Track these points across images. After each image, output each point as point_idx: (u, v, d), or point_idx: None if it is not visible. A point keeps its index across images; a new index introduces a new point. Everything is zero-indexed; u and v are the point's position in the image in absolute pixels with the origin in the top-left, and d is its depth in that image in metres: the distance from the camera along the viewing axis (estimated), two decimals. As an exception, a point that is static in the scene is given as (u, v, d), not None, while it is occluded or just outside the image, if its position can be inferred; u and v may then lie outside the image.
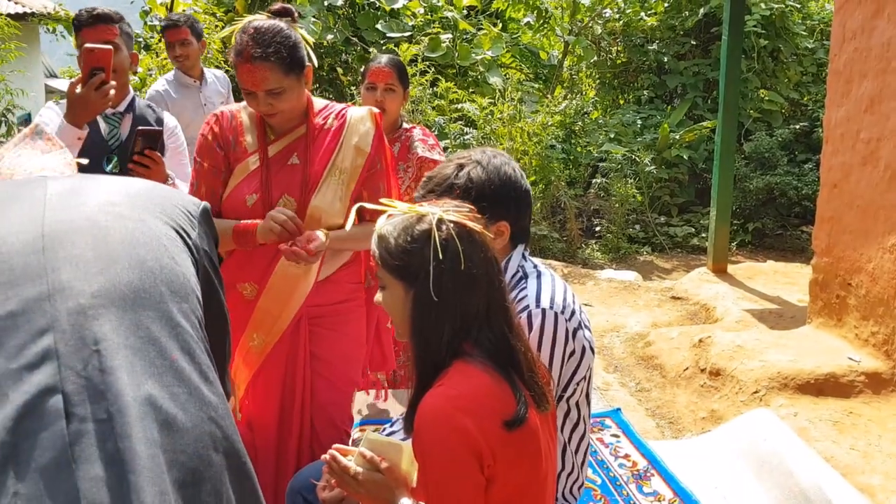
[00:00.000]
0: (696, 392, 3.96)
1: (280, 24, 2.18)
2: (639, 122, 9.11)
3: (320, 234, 2.18)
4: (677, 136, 8.58)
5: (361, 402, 3.51)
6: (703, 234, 7.77)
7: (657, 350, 4.55)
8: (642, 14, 10.01)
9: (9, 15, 9.86)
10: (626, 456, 3.17)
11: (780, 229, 8.39)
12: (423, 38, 8.47)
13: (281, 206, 2.25)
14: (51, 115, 2.54)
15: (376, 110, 2.43)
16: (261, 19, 2.19)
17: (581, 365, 1.80)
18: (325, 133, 2.33)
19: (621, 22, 10.13)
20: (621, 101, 10.50)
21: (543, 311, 1.74)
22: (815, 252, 4.35)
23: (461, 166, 1.80)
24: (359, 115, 2.38)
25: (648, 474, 3.03)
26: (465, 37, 9.21)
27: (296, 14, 2.30)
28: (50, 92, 16.08)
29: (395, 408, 3.51)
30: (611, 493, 2.90)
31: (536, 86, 10.18)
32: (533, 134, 7.65)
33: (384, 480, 1.52)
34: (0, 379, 0.88)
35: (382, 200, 1.59)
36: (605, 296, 6.02)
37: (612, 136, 8.82)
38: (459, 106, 7.90)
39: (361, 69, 3.98)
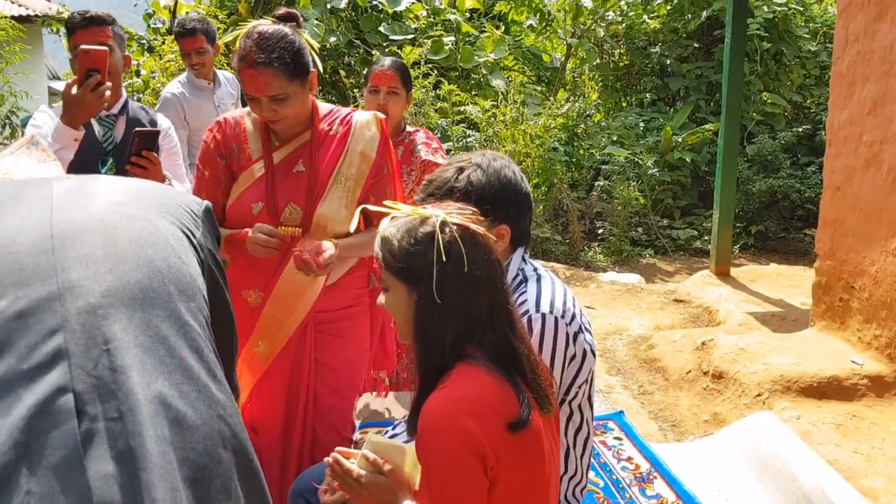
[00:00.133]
0: (699, 395, 3.95)
1: (284, 29, 2.17)
2: (641, 124, 9.12)
3: (329, 245, 2.16)
4: (680, 139, 8.58)
5: (362, 401, 3.51)
6: (706, 237, 7.77)
7: (660, 353, 4.54)
8: (645, 17, 10.02)
9: (12, 17, 9.89)
10: (629, 459, 3.17)
11: (783, 232, 8.39)
12: (425, 40, 8.48)
13: (287, 214, 2.24)
14: (45, 119, 2.54)
15: (382, 115, 2.41)
16: (265, 24, 2.17)
17: (582, 368, 1.80)
18: (330, 139, 2.31)
19: (624, 25, 10.13)
20: (624, 104, 10.50)
21: (543, 315, 1.73)
22: (818, 255, 4.35)
23: (461, 169, 1.80)
24: (364, 121, 2.36)
25: (651, 477, 3.03)
26: (467, 39, 9.22)
27: (301, 19, 2.28)
28: (53, 94, 16.10)
29: (397, 410, 3.51)
30: (613, 496, 2.89)
31: (539, 88, 10.18)
32: (535, 136, 7.66)
33: (387, 483, 1.52)
34: (12, 379, 0.88)
35: (386, 202, 1.59)
36: (608, 298, 6.01)
37: (614, 138, 8.82)
38: (462, 108, 7.90)
39: (364, 72, 3.98)
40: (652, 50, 9.86)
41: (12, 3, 13.77)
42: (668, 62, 9.65)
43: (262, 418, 2.35)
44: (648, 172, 8.20)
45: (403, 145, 3.26)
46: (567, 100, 9.71)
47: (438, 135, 7.11)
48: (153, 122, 2.75)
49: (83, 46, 2.25)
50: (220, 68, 4.93)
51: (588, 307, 5.63)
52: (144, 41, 9.14)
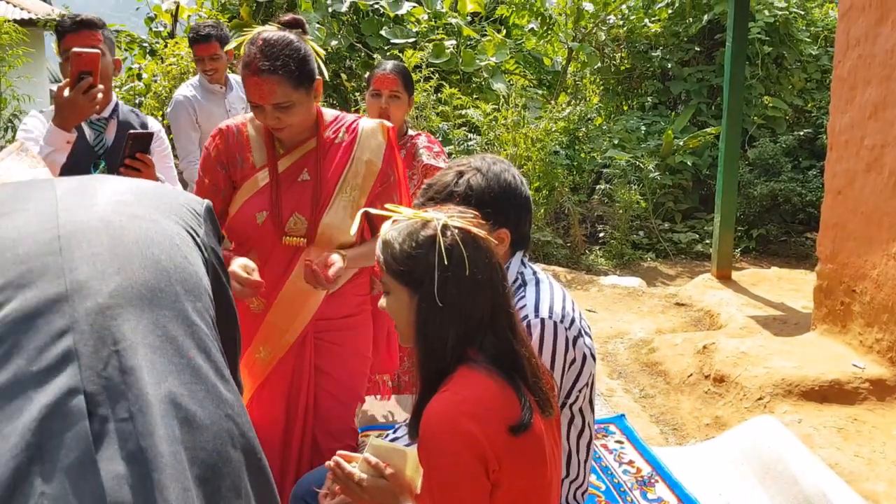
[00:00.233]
0: (700, 398, 3.95)
1: (290, 35, 2.13)
2: (642, 128, 9.12)
3: (338, 258, 2.14)
4: (681, 143, 8.58)
5: (364, 405, 3.50)
6: (707, 241, 7.77)
7: (661, 356, 4.54)
8: (646, 21, 10.02)
9: (14, 20, 9.90)
10: (631, 462, 3.17)
11: (785, 236, 8.38)
12: (427, 44, 8.48)
13: (291, 224, 2.21)
14: (35, 124, 2.54)
15: (389, 124, 2.38)
16: (270, 30, 2.14)
17: (583, 372, 1.80)
18: (335, 147, 2.29)
19: (625, 28, 10.14)
20: (625, 108, 10.50)
21: (542, 320, 1.73)
22: (820, 258, 4.35)
23: (461, 174, 1.80)
24: (370, 129, 2.33)
25: (652, 480, 3.03)
26: (469, 43, 9.23)
27: (306, 25, 2.25)
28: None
29: (399, 413, 3.50)
30: (615, 500, 2.89)
31: (540, 92, 10.19)
32: (536, 140, 7.66)
33: (389, 487, 1.52)
34: (22, 381, 0.88)
35: (387, 206, 1.59)
36: (609, 302, 6.01)
37: (615, 142, 8.82)
38: (463, 112, 7.90)
39: (366, 75, 3.97)
40: (653, 54, 9.86)
41: (14, 6, 13.79)
42: (670, 66, 9.65)
43: (262, 423, 2.34)
44: (650, 176, 8.20)
45: (405, 149, 3.26)
46: (568, 103, 9.70)
47: (440, 138, 7.12)
48: (144, 125, 2.75)
49: (75, 49, 2.25)
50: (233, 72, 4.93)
51: (589, 311, 5.63)
52: (146, 44, 9.15)
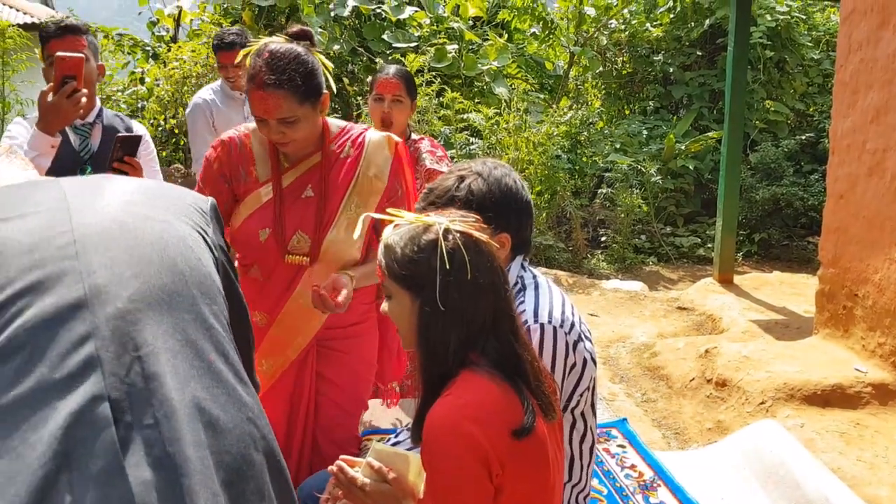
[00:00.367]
0: (703, 403, 3.95)
1: (297, 48, 2.07)
2: (644, 132, 9.13)
3: (347, 282, 2.10)
4: (683, 147, 8.59)
5: (368, 411, 3.49)
6: (709, 245, 7.77)
7: (663, 360, 4.54)
8: (648, 25, 10.04)
9: (18, 25, 9.91)
10: (633, 466, 3.16)
11: (787, 240, 8.38)
12: (428, 48, 8.51)
13: (295, 242, 2.18)
14: (19, 130, 2.54)
15: (396, 138, 2.34)
16: (278, 42, 2.08)
17: (583, 377, 1.80)
18: (340, 163, 2.23)
19: (627, 33, 10.16)
20: (627, 112, 10.52)
21: (542, 325, 1.73)
22: (822, 263, 4.35)
23: (462, 178, 1.80)
24: (376, 143, 2.28)
25: (655, 485, 3.03)
26: (470, 47, 9.25)
27: (315, 38, 2.17)
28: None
29: (401, 417, 3.50)
30: (617, 504, 2.89)
31: (542, 96, 10.21)
32: (538, 144, 7.67)
33: (391, 491, 1.51)
34: (45, 389, 0.87)
35: (389, 210, 1.59)
36: (611, 306, 6.01)
37: (617, 146, 8.83)
38: (465, 116, 7.92)
39: (368, 79, 3.97)
40: (655, 58, 9.88)
41: (18, 10, 13.83)
42: (672, 70, 9.66)
43: None
44: (651, 180, 8.20)
45: (408, 153, 3.25)
46: (570, 107, 9.72)
47: (441, 142, 7.12)
48: (129, 130, 2.74)
49: (59, 53, 2.25)
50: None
51: (591, 315, 5.63)
52: (149, 49, 9.18)
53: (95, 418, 0.86)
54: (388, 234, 1.53)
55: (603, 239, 8.25)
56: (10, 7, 13.90)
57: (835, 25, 9.37)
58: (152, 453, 0.87)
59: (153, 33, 9.59)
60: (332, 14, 8.79)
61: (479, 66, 8.89)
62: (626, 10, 10.15)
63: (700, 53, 9.60)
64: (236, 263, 2.29)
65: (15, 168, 1.29)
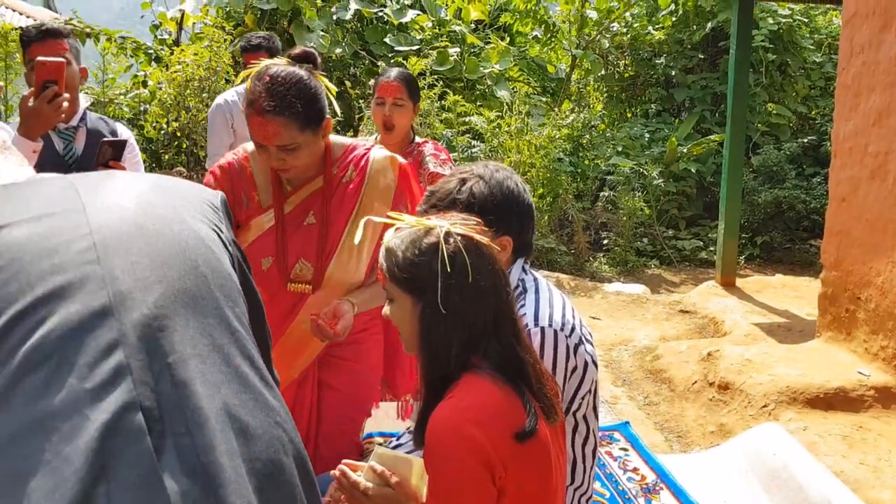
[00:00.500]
0: (705, 406, 3.94)
1: (299, 72, 2.01)
2: (646, 135, 9.12)
3: (348, 309, 2.07)
4: (685, 150, 8.58)
5: (380, 418, 3.45)
6: (712, 248, 7.76)
7: (665, 363, 4.53)
8: (650, 28, 10.05)
9: (21, 28, 9.95)
10: (635, 469, 3.16)
11: (789, 243, 8.37)
12: (431, 51, 8.52)
13: (297, 270, 2.15)
14: (1, 135, 2.54)
15: (401, 160, 2.29)
16: (279, 65, 2.02)
17: (584, 380, 1.80)
18: (342, 188, 2.18)
19: (629, 36, 10.16)
20: (629, 115, 10.52)
21: (542, 329, 1.73)
22: (824, 266, 4.34)
23: (464, 181, 1.80)
24: (380, 166, 2.21)
25: (657, 488, 3.02)
26: (472, 50, 9.26)
27: (319, 60, 2.10)
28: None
29: (402, 421, 3.48)
30: (619, 508, 2.89)
31: (544, 99, 10.21)
32: (540, 147, 7.67)
33: (394, 495, 1.51)
34: (76, 400, 0.84)
35: (390, 213, 1.59)
36: (613, 309, 6.01)
37: (619, 149, 8.83)
38: (467, 119, 7.92)
39: (370, 83, 3.96)
40: (657, 61, 9.88)
41: (20, 14, 13.87)
42: (674, 73, 9.67)
43: None
44: (653, 183, 8.20)
45: (412, 157, 3.24)
46: (572, 110, 9.73)
47: (443, 145, 7.13)
48: (114, 133, 2.73)
49: (39, 58, 2.23)
50: (227, 81, 4.94)
51: (593, 318, 5.63)
52: (151, 52, 9.19)
53: (130, 428, 0.84)
54: (390, 238, 1.53)
55: (605, 242, 8.25)
56: (13, 10, 13.93)
57: (837, 28, 9.37)
58: (187, 462, 0.85)
59: (156, 37, 9.59)
60: (335, 17, 8.80)
61: (481, 69, 8.90)
62: (627, 14, 10.16)
63: (702, 56, 9.61)
64: None
65: (11, 164, 1.24)
